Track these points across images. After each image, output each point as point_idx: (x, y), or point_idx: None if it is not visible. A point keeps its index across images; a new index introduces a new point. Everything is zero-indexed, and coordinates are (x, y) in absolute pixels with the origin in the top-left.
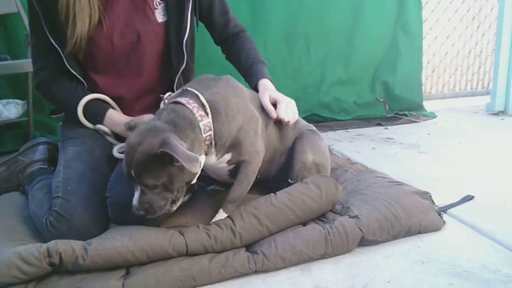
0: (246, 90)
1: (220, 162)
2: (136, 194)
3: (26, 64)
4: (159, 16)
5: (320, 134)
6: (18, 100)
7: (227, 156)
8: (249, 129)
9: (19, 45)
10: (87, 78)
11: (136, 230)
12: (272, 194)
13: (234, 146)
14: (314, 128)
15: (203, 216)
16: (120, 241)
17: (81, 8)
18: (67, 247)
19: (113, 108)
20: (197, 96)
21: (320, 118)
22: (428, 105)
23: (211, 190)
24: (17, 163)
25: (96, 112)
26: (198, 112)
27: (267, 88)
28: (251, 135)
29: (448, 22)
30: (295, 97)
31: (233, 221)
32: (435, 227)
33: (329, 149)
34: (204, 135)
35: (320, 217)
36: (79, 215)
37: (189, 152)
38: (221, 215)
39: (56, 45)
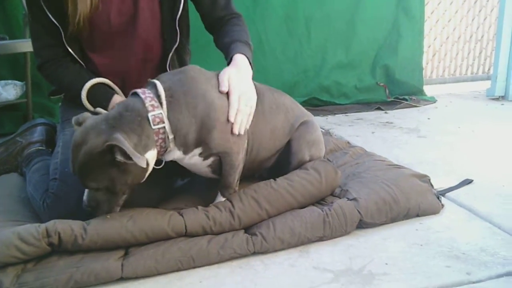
0: (216, 77)
1: (192, 156)
2: (86, 190)
3: (24, 44)
4: None
5: (315, 123)
6: (16, 82)
7: (197, 150)
8: (218, 117)
9: (17, 25)
10: (85, 58)
11: (136, 211)
12: (272, 179)
13: (202, 138)
14: (310, 117)
15: (201, 200)
16: (119, 221)
17: None
18: (66, 227)
19: (117, 94)
20: (155, 86)
21: (320, 102)
22: (428, 90)
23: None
24: (15, 144)
25: (101, 97)
26: (149, 102)
27: (234, 65)
28: (222, 125)
29: (450, 6)
30: (295, 81)
31: (232, 203)
32: (434, 210)
33: (329, 133)
34: (154, 127)
35: (319, 200)
36: (76, 197)
37: (133, 150)
38: (219, 199)
39: (57, 24)
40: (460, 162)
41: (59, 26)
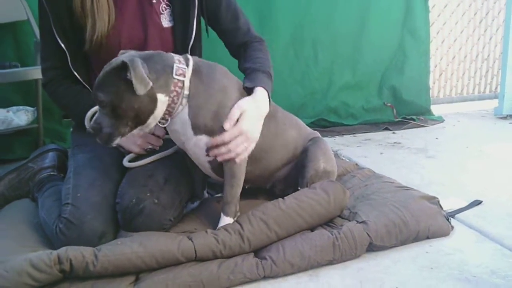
0: (239, 83)
1: (197, 142)
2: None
3: (35, 71)
4: (165, 21)
5: (325, 141)
6: (28, 107)
7: (204, 137)
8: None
9: (28, 52)
10: (92, 82)
11: (146, 236)
12: (280, 199)
13: (212, 126)
14: (319, 135)
15: (211, 223)
16: (130, 247)
17: (101, 6)
18: (78, 254)
19: None
20: (187, 56)
21: (327, 123)
22: (435, 109)
23: (219, 198)
24: (27, 170)
25: None
26: (178, 58)
27: (254, 100)
28: None
29: (455, 26)
30: (302, 102)
31: (241, 225)
32: (443, 232)
33: (337, 154)
34: (175, 77)
35: (328, 223)
36: (89, 221)
37: (145, 75)
38: (223, 219)
39: (64, 47)
40: (469, 182)
41: (66, 50)
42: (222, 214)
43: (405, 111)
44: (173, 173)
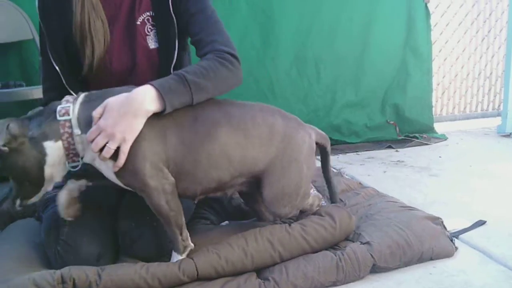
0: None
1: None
2: None
3: (40, 91)
4: (151, 42)
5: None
6: None
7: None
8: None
9: (33, 71)
10: None
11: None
12: (287, 223)
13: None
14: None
15: (212, 238)
16: (133, 268)
17: (97, 30)
18: (81, 273)
19: None
20: (78, 94)
21: (330, 141)
22: (438, 127)
23: (224, 226)
24: None
25: None
26: (66, 99)
27: (128, 95)
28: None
29: (458, 44)
30: (305, 120)
31: (246, 241)
32: (447, 253)
33: (340, 173)
34: (59, 119)
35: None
36: (86, 244)
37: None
38: (174, 256)
39: (58, 70)
40: (473, 202)
41: (60, 73)
42: (173, 252)
43: (408, 129)
44: None
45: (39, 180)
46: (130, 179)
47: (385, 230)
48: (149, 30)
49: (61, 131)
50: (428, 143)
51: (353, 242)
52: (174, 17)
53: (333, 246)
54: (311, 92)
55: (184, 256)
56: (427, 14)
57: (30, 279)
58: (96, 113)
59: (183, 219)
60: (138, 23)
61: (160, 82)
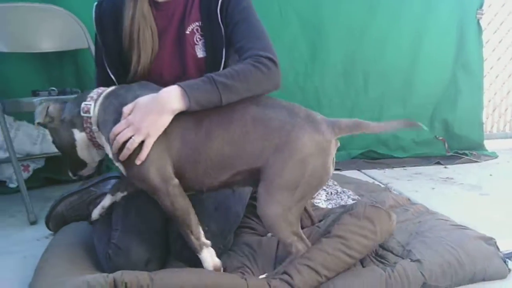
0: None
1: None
2: None
3: None
4: (200, 51)
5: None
6: None
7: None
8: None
9: (89, 79)
10: None
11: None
12: (324, 239)
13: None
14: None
15: (260, 261)
16: (186, 275)
17: (145, 39)
18: (133, 278)
19: None
20: (101, 90)
21: (377, 154)
22: (489, 145)
23: (268, 239)
24: (89, 193)
25: None
26: (89, 95)
27: (155, 94)
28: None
29: (510, 61)
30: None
31: (290, 276)
32: (500, 275)
33: (388, 188)
34: (83, 115)
35: (381, 259)
36: (136, 248)
37: (38, 113)
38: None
39: (113, 78)
40: None
41: (115, 81)
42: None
43: (457, 145)
44: (222, 201)
45: (78, 158)
46: (139, 182)
47: (436, 248)
48: (197, 39)
49: (84, 125)
50: (478, 160)
51: (403, 258)
52: (222, 27)
53: (381, 259)
54: (358, 105)
55: (204, 254)
56: (479, 30)
57: (84, 281)
58: (126, 109)
59: (193, 219)
60: (188, 32)
61: (187, 83)
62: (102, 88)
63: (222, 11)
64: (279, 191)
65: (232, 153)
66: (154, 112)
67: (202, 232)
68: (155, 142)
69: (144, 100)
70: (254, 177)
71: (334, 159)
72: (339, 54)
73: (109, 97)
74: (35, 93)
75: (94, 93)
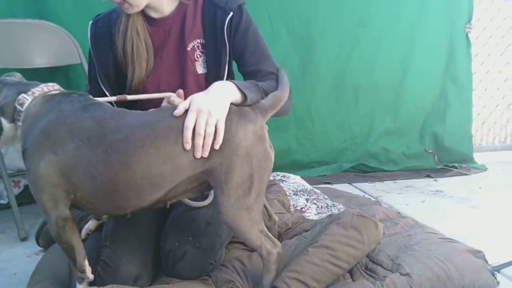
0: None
1: None
2: None
3: None
4: (200, 68)
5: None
6: None
7: None
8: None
9: None
10: None
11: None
12: (310, 249)
13: None
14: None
15: (250, 274)
16: None
17: (139, 54)
18: None
19: None
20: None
21: (367, 168)
22: (478, 158)
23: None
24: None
25: None
26: (33, 89)
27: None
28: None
29: (499, 74)
30: (342, 147)
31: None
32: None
33: (378, 202)
34: (16, 106)
35: (370, 273)
36: (124, 264)
37: None
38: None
39: (107, 93)
40: None
41: (108, 95)
42: None
43: (447, 158)
44: (214, 216)
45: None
46: None
47: (425, 262)
48: (198, 56)
49: (16, 116)
50: (468, 173)
51: (393, 272)
52: (227, 44)
53: (371, 273)
54: (348, 119)
55: (81, 286)
56: (468, 44)
57: None
58: (182, 106)
59: (78, 254)
60: (189, 49)
61: (232, 81)
62: (51, 87)
63: (230, 30)
64: (236, 191)
65: (156, 172)
66: (214, 97)
67: (87, 267)
68: (48, 174)
69: (200, 94)
70: (202, 182)
71: (270, 142)
72: (329, 68)
73: (52, 95)
74: None
75: (39, 89)
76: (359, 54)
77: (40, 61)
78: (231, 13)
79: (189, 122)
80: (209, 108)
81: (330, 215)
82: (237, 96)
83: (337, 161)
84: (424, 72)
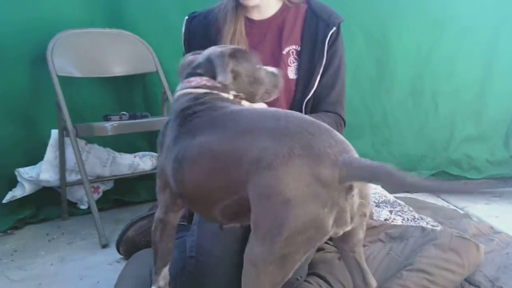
0: None
1: None
2: None
3: (163, 121)
4: (291, 73)
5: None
6: (153, 153)
7: None
8: None
9: (156, 103)
10: None
11: None
12: (404, 272)
13: None
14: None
15: None
16: None
17: None
18: None
19: None
20: None
21: (449, 176)
22: None
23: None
24: None
25: None
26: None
27: None
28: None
29: None
30: (421, 154)
31: None
32: None
33: (469, 215)
34: None
35: None
36: (211, 276)
37: None
38: None
39: None
40: None
41: None
42: None
43: None
44: None
45: None
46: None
47: None
48: (291, 61)
49: None
50: None
51: None
52: (324, 58)
53: None
54: (427, 125)
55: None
56: None
57: None
58: None
59: (158, 258)
60: (284, 52)
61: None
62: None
63: (330, 45)
64: (262, 229)
65: (208, 185)
66: None
67: (162, 274)
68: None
69: None
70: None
71: (348, 212)
72: (406, 72)
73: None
74: (106, 118)
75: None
76: (437, 57)
77: (118, 69)
78: (334, 28)
79: None
80: None
81: (423, 229)
82: None
83: (415, 169)
84: (508, 74)
